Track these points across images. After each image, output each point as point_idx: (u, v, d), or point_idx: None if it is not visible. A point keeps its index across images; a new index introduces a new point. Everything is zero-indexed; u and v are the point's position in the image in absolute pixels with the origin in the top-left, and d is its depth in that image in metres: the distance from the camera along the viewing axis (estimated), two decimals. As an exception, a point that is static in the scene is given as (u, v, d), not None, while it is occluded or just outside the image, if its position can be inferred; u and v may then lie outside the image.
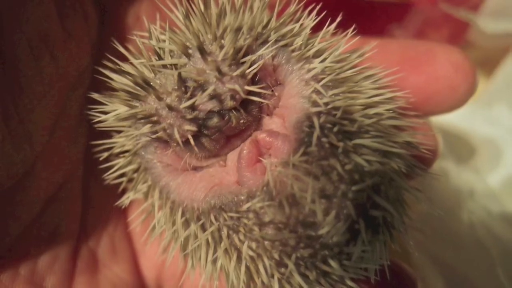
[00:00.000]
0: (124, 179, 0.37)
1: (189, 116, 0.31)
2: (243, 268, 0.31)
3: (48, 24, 0.33)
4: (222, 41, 0.30)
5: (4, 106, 0.31)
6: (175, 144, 0.32)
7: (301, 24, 0.32)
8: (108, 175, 0.36)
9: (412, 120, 0.35)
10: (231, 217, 0.31)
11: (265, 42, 0.32)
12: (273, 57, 0.32)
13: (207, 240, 0.32)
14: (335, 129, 0.30)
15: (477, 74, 0.39)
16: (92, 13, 0.37)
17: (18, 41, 0.31)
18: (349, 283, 0.32)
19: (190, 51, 0.31)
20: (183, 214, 0.33)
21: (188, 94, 0.30)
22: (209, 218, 0.32)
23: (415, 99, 0.37)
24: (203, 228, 0.32)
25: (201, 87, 0.30)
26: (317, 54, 0.32)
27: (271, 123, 0.33)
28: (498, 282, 0.49)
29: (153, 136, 0.32)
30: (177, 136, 0.31)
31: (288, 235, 0.29)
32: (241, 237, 0.31)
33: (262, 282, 0.31)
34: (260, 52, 0.31)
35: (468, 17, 0.59)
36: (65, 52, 0.34)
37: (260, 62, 0.31)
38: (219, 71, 0.30)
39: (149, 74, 0.31)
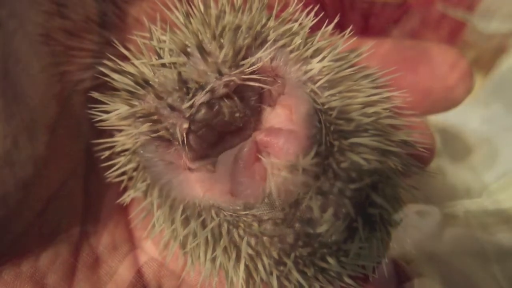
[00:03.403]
0: (125, 177, 0.37)
1: (187, 115, 0.31)
2: (242, 266, 0.31)
3: (50, 24, 0.33)
4: (221, 40, 0.30)
5: (6, 104, 0.31)
6: (177, 143, 0.32)
7: (300, 23, 0.33)
8: (109, 173, 0.37)
9: (409, 119, 0.35)
10: (231, 215, 0.31)
11: (264, 42, 0.32)
12: (271, 59, 0.32)
13: (206, 238, 0.32)
14: (332, 128, 0.30)
15: (474, 73, 0.40)
16: (93, 14, 0.37)
17: (21, 41, 0.32)
18: (347, 280, 0.32)
19: (189, 49, 0.31)
20: (183, 211, 0.33)
21: (190, 95, 0.30)
22: (210, 214, 0.32)
23: (412, 98, 0.37)
24: (203, 224, 0.32)
25: (202, 88, 0.30)
26: (315, 54, 0.32)
27: (274, 116, 0.32)
28: (495, 280, 0.50)
29: (154, 135, 0.32)
30: (179, 135, 0.31)
31: (286, 231, 0.30)
32: (241, 232, 0.31)
33: (261, 279, 0.31)
34: (258, 54, 0.31)
35: (465, 17, 0.59)
36: (66, 52, 0.35)
37: (259, 64, 0.31)
38: (219, 72, 0.30)
39: (148, 73, 0.31)
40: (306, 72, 0.31)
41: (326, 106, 0.31)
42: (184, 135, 0.31)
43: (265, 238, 0.30)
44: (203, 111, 0.30)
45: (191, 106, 0.30)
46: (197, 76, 0.30)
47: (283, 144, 0.29)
